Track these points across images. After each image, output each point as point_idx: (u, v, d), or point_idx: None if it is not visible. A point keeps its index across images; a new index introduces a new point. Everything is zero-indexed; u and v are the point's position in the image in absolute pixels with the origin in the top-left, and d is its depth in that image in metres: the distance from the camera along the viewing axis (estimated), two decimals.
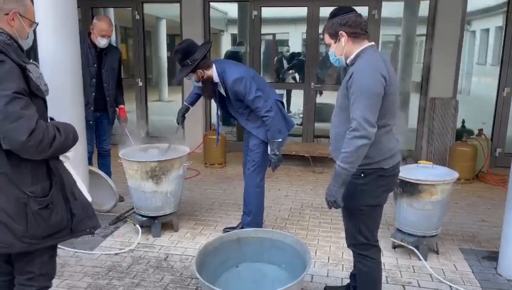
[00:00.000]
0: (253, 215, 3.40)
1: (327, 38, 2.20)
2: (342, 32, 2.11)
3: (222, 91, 3.28)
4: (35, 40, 3.22)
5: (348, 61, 2.17)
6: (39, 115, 1.65)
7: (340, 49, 2.15)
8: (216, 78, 3.20)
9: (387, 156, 2.14)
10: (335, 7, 2.19)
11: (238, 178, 5.16)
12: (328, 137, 5.90)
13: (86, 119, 3.70)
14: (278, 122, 3.20)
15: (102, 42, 3.81)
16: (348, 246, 2.41)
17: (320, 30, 5.93)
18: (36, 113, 1.63)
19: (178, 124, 3.63)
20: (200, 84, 3.23)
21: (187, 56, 3.10)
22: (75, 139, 1.82)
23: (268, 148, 3.22)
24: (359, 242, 2.27)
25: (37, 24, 1.85)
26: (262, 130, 3.23)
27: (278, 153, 3.19)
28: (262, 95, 3.14)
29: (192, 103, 3.65)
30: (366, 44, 2.14)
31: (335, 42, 2.16)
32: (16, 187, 1.68)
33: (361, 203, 2.17)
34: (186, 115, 3.65)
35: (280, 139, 3.19)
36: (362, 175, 2.12)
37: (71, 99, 3.40)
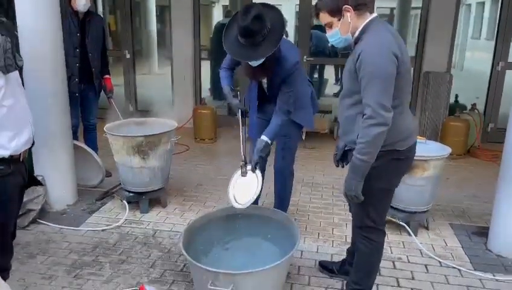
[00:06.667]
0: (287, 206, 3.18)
1: (326, 17, 1.95)
2: (347, 6, 1.89)
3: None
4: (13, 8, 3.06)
5: (353, 38, 1.98)
6: None
7: (346, 27, 1.93)
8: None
9: (401, 138, 2.01)
10: None
11: (228, 154, 5.05)
12: (323, 112, 5.76)
13: (70, 92, 3.56)
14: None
15: (81, 3, 3.59)
16: (353, 228, 2.36)
17: (314, 1, 5.76)
18: None
19: (242, 109, 2.67)
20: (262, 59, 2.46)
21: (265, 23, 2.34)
22: None
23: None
24: (366, 225, 2.18)
25: None
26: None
27: None
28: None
29: (232, 84, 2.85)
30: (370, 16, 1.94)
31: (338, 20, 1.93)
32: None
33: (373, 186, 2.02)
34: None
35: None
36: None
37: (52, 70, 3.24)
